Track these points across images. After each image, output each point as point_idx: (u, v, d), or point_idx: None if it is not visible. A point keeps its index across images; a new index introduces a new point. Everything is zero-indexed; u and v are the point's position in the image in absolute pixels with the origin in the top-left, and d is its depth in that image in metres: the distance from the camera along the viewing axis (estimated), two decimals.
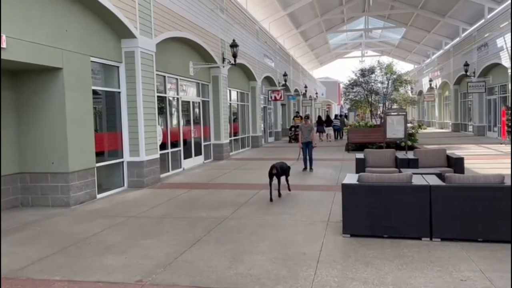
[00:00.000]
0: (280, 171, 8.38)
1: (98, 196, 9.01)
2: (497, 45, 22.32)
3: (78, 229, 6.55)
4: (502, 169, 11.40)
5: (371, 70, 29.95)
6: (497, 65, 22.92)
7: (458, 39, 30.71)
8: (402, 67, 49.58)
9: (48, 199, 8.23)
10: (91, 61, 8.86)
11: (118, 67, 9.94)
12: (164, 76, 12.36)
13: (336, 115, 32.04)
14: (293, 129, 25.44)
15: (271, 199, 8.15)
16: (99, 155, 9.25)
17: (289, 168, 8.98)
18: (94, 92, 9.07)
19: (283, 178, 8.77)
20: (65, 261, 5.09)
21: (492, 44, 23.12)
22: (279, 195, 8.50)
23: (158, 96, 11.32)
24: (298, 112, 32.09)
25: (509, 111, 19.36)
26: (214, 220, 6.80)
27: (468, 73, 25.58)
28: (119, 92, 10.00)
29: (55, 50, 7.77)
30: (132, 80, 9.99)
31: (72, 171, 8.17)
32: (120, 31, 9.64)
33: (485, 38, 24.05)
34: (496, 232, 5.26)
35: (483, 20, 25.07)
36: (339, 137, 27.18)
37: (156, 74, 11.07)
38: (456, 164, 8.92)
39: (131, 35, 9.76)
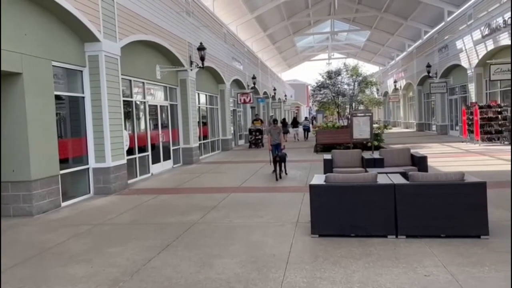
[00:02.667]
0: (280, 158, 11.28)
1: (63, 204, 8.74)
2: (456, 47, 23.17)
3: (41, 239, 6.33)
4: (464, 166, 11.84)
5: (338, 72, 30.51)
6: (457, 66, 23.80)
7: (420, 41, 31.70)
8: (368, 69, 50.64)
9: (10, 209, 7.91)
10: (53, 66, 8.61)
11: (81, 71, 9.69)
12: (130, 80, 12.15)
13: (306, 117, 32.67)
14: (253, 133, 23.09)
15: (276, 179, 10.98)
16: (63, 162, 8.98)
17: (286, 156, 12.00)
18: (57, 97, 8.81)
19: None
20: (28, 272, 4.91)
21: (452, 46, 23.98)
22: (280, 176, 11.20)
23: (124, 100, 11.12)
24: (257, 115, 28.00)
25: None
26: (183, 225, 6.73)
27: (430, 74, 26.43)
28: (83, 97, 9.75)
29: (13, 55, 7.50)
30: (97, 85, 9.76)
31: (34, 179, 7.90)
32: (83, 34, 9.41)
33: (445, 40, 24.93)
34: (457, 228, 5.44)
35: (443, 23, 25.98)
36: (307, 137, 27.96)
37: (122, 78, 10.86)
38: (420, 162, 9.19)
39: (95, 39, 9.54)
